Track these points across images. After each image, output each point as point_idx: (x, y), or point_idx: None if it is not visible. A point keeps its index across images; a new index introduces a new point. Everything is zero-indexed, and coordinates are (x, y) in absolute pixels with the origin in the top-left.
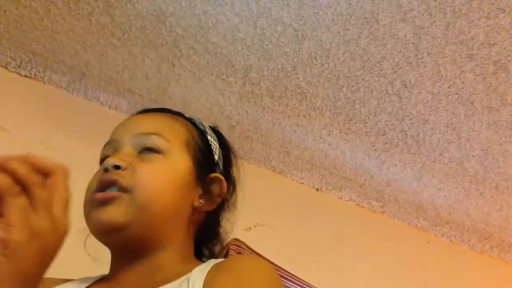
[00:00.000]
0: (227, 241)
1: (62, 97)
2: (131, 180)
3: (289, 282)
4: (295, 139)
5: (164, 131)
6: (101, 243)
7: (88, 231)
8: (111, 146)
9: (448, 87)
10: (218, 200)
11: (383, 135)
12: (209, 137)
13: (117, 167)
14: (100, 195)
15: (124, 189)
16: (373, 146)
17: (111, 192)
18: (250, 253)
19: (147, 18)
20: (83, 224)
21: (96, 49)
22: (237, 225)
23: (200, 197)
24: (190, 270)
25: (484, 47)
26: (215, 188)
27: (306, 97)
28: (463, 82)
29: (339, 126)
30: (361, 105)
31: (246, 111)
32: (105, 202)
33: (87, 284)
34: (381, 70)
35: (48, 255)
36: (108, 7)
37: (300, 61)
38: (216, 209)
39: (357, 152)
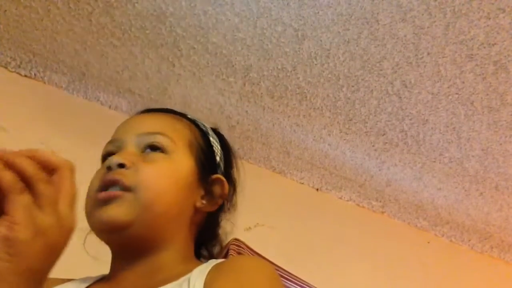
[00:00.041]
0: (226, 242)
1: (62, 97)
2: (134, 180)
3: (289, 282)
4: (295, 139)
5: (168, 131)
6: (101, 243)
7: (87, 231)
8: (114, 145)
9: (448, 87)
10: (220, 201)
11: (383, 135)
12: (211, 139)
13: (120, 165)
14: (102, 194)
15: (127, 188)
16: (373, 146)
17: (114, 191)
18: (250, 253)
19: (147, 18)
20: (83, 223)
21: (96, 49)
22: (237, 225)
23: (202, 197)
24: (190, 270)
25: (484, 47)
26: (216, 189)
27: (306, 97)
28: (463, 82)
29: (339, 126)
30: (361, 105)
31: (246, 111)
32: (107, 201)
33: (87, 284)
34: (381, 70)
35: (54, 252)
36: (108, 7)
37: (300, 61)
38: (217, 210)
39: (357, 152)
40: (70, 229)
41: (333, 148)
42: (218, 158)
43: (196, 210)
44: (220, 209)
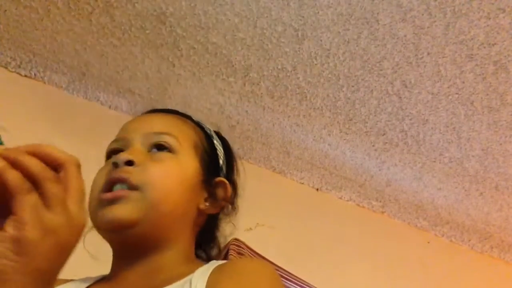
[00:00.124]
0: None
1: (62, 97)
2: (141, 178)
3: (289, 282)
4: (295, 139)
5: (174, 132)
6: (100, 242)
7: (87, 229)
8: (120, 143)
9: (448, 87)
10: (223, 204)
11: (383, 135)
12: (215, 142)
13: (128, 163)
14: (108, 195)
15: (133, 187)
16: (373, 146)
17: (119, 192)
18: (250, 253)
19: (147, 18)
20: None
21: (96, 49)
22: (237, 225)
23: (206, 200)
24: (192, 271)
25: (484, 47)
26: (220, 192)
27: (306, 97)
28: (463, 82)
29: (339, 126)
30: (361, 105)
31: (246, 111)
32: (113, 201)
33: (87, 284)
34: (381, 70)
35: (64, 251)
36: (108, 7)
37: (300, 61)
38: (217, 213)
39: (357, 152)
40: (81, 228)
41: (333, 148)
42: (221, 161)
43: (199, 212)
44: (221, 212)
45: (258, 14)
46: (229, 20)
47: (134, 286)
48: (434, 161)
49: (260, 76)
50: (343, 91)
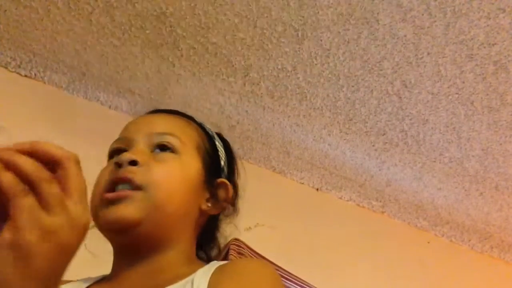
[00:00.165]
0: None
1: (62, 97)
2: (145, 178)
3: (289, 282)
4: (295, 139)
5: (178, 132)
6: (100, 240)
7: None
8: (123, 143)
9: (448, 87)
10: (225, 205)
11: (383, 135)
12: (217, 143)
13: (132, 162)
14: (111, 194)
15: (137, 187)
16: (373, 146)
17: (123, 192)
18: (250, 253)
19: (147, 18)
20: None
21: (96, 49)
22: (237, 225)
23: (207, 200)
24: (193, 271)
25: (484, 47)
26: (221, 193)
27: (306, 97)
28: (463, 82)
29: (339, 126)
30: (361, 105)
31: (246, 111)
32: (116, 201)
33: (87, 284)
34: (381, 70)
35: (66, 252)
36: (108, 7)
37: (300, 61)
38: (218, 214)
39: (357, 152)
40: (82, 227)
41: (333, 148)
42: (222, 163)
43: (201, 212)
44: (221, 213)
45: (258, 14)
46: (229, 20)
47: (135, 286)
48: (434, 161)
49: (260, 76)
50: (343, 91)
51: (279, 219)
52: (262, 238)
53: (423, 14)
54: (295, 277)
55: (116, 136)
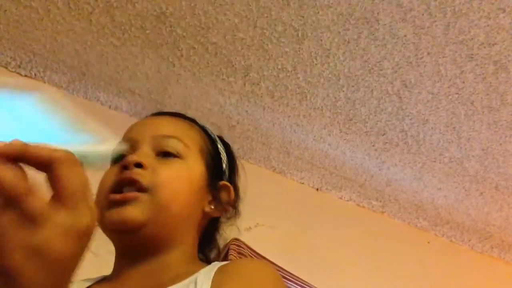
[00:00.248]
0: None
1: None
2: (151, 180)
3: (289, 282)
4: (295, 139)
5: (182, 136)
6: (101, 239)
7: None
8: (127, 144)
9: (448, 87)
10: (227, 208)
11: (383, 135)
12: (219, 146)
13: (138, 165)
14: (117, 196)
15: (143, 189)
16: (373, 146)
17: (129, 194)
18: (250, 253)
19: (147, 18)
20: None
21: (96, 49)
22: (237, 225)
23: (210, 203)
24: (196, 272)
25: (484, 47)
26: (223, 196)
27: (306, 97)
28: (463, 82)
29: (339, 126)
30: (361, 105)
31: (246, 111)
32: (122, 203)
33: (87, 285)
34: (381, 70)
35: (60, 263)
36: (108, 7)
37: (300, 61)
38: (219, 216)
39: (357, 152)
40: (82, 231)
41: (333, 148)
42: (224, 165)
43: (204, 214)
44: (222, 215)
45: (258, 14)
46: (229, 20)
47: (138, 286)
48: (434, 161)
49: (260, 76)
50: (343, 91)
51: (279, 219)
52: (262, 238)
53: (423, 14)
54: (295, 277)
55: (116, 136)
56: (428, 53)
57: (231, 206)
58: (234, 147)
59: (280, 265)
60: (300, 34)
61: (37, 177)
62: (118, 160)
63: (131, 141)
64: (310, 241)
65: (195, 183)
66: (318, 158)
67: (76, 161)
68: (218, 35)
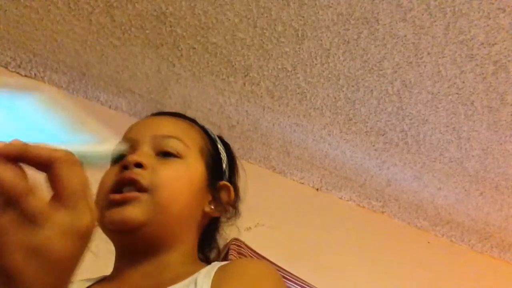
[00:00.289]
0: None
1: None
2: (151, 180)
3: (289, 282)
4: (295, 139)
5: (182, 136)
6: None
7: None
8: (127, 144)
9: (448, 87)
10: (227, 208)
11: (383, 135)
12: (219, 146)
13: (138, 165)
14: (117, 196)
15: (143, 189)
16: (373, 146)
17: (129, 194)
18: (250, 253)
19: (147, 18)
20: None
21: (96, 49)
22: (237, 225)
23: (210, 203)
24: (196, 272)
25: (484, 47)
26: (224, 196)
27: (306, 97)
28: (463, 82)
29: (339, 126)
30: (361, 105)
31: (246, 111)
32: (122, 203)
33: (88, 285)
34: (381, 70)
35: (60, 263)
36: (108, 7)
37: (300, 61)
38: (219, 216)
39: (357, 152)
40: (83, 231)
41: (333, 148)
42: (224, 165)
43: (204, 214)
44: (222, 215)
45: (258, 14)
46: (229, 20)
47: (138, 286)
48: (434, 161)
49: (260, 76)
50: (343, 91)
51: (279, 219)
52: (262, 238)
53: (423, 14)
54: (295, 277)
55: (116, 136)
56: (428, 53)
57: (231, 206)
58: (234, 147)
59: (280, 265)
60: (300, 34)
61: (37, 177)
62: (118, 160)
63: (131, 141)
64: (310, 241)
65: (195, 183)
66: (318, 158)
67: (76, 161)
68: (218, 35)
